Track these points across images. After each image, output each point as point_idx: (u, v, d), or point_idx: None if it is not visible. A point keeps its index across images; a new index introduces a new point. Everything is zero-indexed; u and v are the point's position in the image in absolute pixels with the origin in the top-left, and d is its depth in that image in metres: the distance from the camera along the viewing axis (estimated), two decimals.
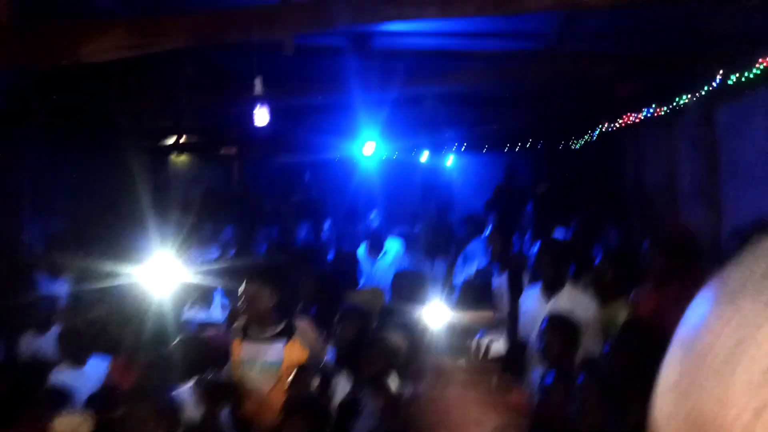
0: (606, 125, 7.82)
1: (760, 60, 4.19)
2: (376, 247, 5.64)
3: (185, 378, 3.01)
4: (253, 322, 3.29)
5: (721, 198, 5.07)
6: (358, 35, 4.23)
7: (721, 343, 0.37)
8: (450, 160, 10.14)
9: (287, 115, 6.27)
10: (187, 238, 5.37)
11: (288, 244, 6.31)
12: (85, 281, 4.54)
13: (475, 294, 4.24)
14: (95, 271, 4.32)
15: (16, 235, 5.71)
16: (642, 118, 6.53)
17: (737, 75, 4.50)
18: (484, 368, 1.74)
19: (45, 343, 4.13)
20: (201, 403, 2.83)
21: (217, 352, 3.36)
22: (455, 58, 5.01)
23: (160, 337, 3.59)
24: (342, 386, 3.26)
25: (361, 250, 5.67)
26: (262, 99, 3.98)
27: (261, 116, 4.04)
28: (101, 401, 3.20)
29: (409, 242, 5.84)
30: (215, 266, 5.03)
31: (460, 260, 5.45)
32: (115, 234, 5.57)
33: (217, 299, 4.56)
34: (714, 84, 4.82)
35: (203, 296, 4.45)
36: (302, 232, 6.95)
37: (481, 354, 3.04)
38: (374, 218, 6.50)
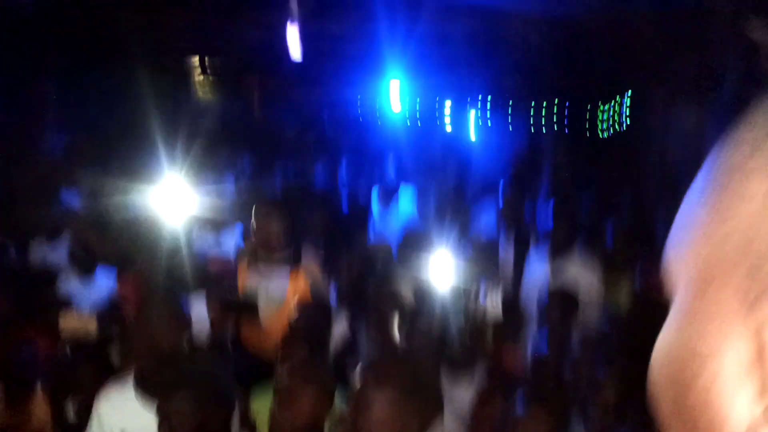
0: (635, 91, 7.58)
1: None
2: (388, 195, 5.61)
3: (191, 294, 3.07)
4: (261, 246, 3.33)
5: None
6: None
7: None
8: (473, 115, 9.96)
9: (313, 46, 6.15)
10: (203, 162, 5.39)
11: (302, 178, 6.32)
12: (99, 195, 4.59)
13: (483, 255, 4.24)
14: (110, 186, 4.36)
15: (37, 143, 5.76)
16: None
17: None
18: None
19: (55, 251, 4.22)
20: (210, 313, 2.91)
21: (225, 273, 3.43)
22: None
23: (169, 254, 3.65)
24: (340, 325, 3.33)
25: (373, 195, 5.65)
26: (293, 20, 3.87)
27: (292, 38, 3.93)
28: (107, 310, 3.30)
29: (422, 195, 5.79)
30: (228, 191, 5.05)
31: (469, 220, 5.42)
32: (131, 151, 5.59)
33: (228, 223, 4.60)
34: None
35: (215, 219, 4.49)
36: (316, 169, 6.92)
37: (477, 312, 3.08)
38: (390, 165, 6.44)
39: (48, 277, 3.66)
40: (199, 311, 3.00)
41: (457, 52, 6.13)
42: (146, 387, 2.29)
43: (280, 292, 3.27)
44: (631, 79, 7.64)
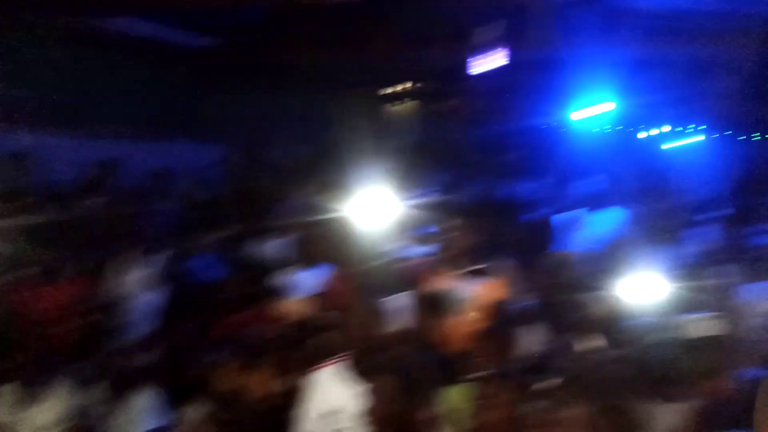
0: None
1: None
2: (594, 210, 5.40)
3: (393, 294, 3.35)
4: (454, 257, 3.52)
5: None
6: None
7: None
8: (683, 140, 9.24)
9: (512, 72, 6.27)
10: (402, 179, 5.78)
11: (496, 195, 6.43)
12: (320, 201, 5.23)
13: (696, 279, 3.95)
14: (329, 195, 4.94)
15: (274, 154, 6.76)
16: None
17: None
18: None
19: (275, 247, 4.88)
20: (417, 311, 3.15)
21: (423, 277, 3.67)
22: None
23: (372, 259, 4.00)
24: (529, 337, 3.36)
25: (576, 213, 5.48)
26: (497, 44, 4.05)
27: (496, 62, 4.10)
28: (321, 301, 3.75)
29: (633, 216, 5.49)
30: (425, 205, 5.36)
31: (682, 246, 5.04)
32: (349, 165, 6.27)
33: (424, 236, 4.89)
34: None
35: (413, 231, 4.80)
36: (513, 188, 6.99)
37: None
38: (597, 182, 6.22)
39: (275, 267, 4.26)
40: (399, 309, 3.27)
41: (672, 75, 5.83)
42: (362, 370, 2.58)
43: (469, 302, 3.41)
44: None
